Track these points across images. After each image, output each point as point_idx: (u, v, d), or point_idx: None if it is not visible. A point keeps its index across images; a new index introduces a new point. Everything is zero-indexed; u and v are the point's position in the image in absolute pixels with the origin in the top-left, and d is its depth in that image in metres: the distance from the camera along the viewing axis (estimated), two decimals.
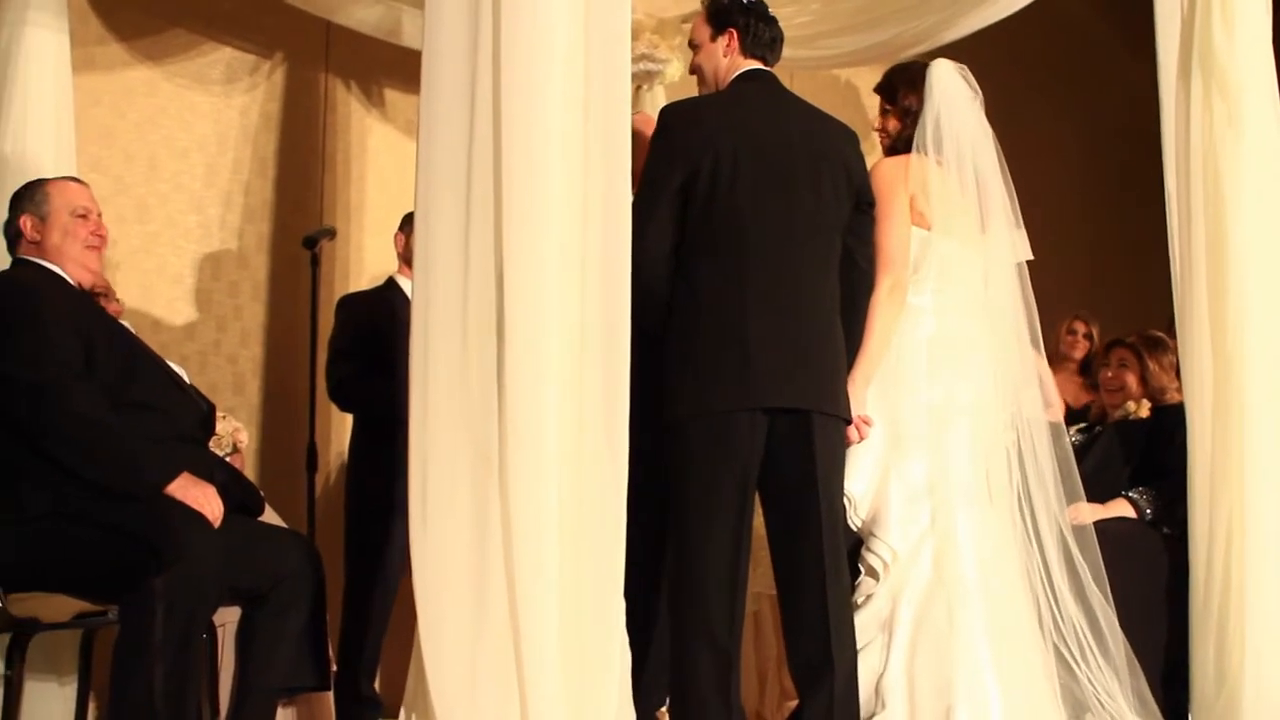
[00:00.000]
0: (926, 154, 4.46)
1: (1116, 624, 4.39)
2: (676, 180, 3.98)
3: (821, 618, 3.86)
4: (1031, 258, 4.56)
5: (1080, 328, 6.55)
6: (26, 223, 3.97)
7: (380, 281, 5.72)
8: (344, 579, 5.35)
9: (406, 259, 5.42)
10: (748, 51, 4.21)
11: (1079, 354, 6.46)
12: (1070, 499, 4.49)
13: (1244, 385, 4.64)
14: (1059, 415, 4.64)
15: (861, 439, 4.20)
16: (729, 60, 4.23)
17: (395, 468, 4.96)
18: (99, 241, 4.04)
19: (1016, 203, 4.54)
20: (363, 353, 5.42)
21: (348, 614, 5.35)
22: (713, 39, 4.25)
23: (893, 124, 4.61)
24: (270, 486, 5.02)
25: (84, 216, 4.01)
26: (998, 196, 4.51)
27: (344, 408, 5.63)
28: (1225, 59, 4.69)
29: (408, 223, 5.43)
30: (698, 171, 3.97)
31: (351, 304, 5.63)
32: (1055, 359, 6.32)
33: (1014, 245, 4.53)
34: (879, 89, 4.68)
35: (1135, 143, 6.50)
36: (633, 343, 3.60)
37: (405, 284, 5.41)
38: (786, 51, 4.39)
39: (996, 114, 4.62)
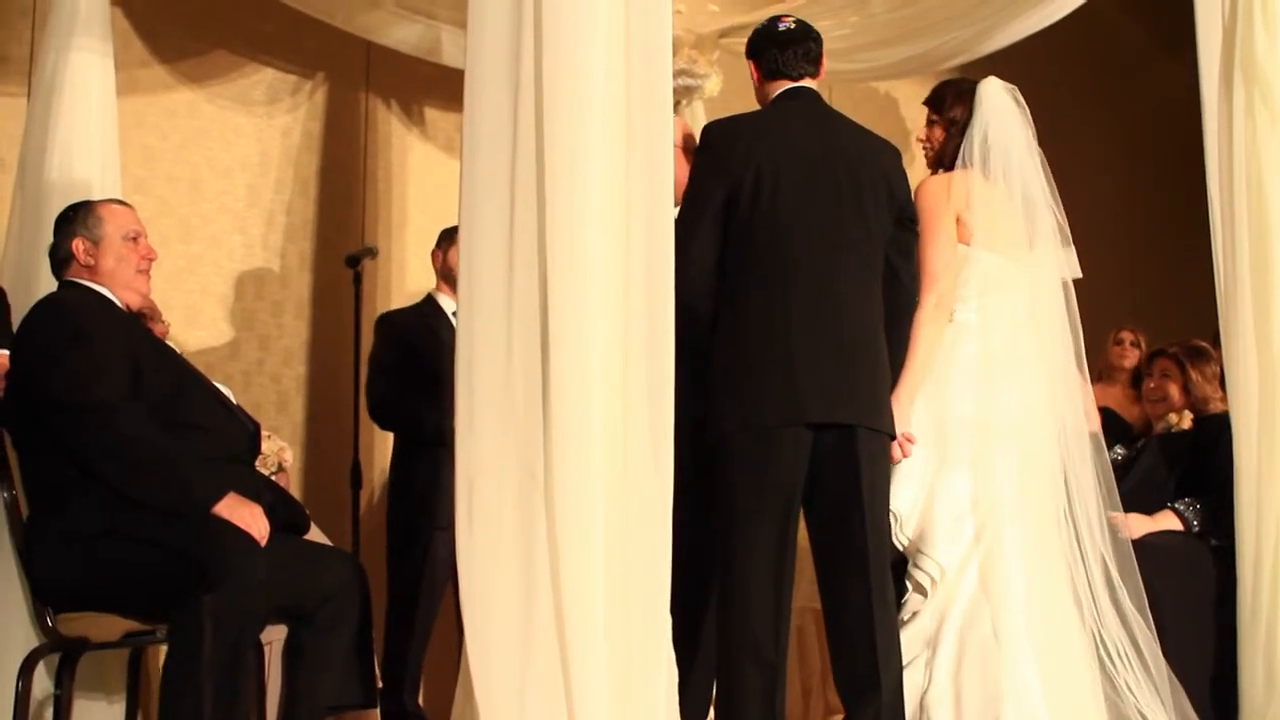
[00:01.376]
0: (972, 167, 4.46)
1: (1157, 641, 4.37)
2: (719, 196, 4.00)
3: (867, 635, 3.85)
4: (1080, 275, 4.55)
5: (1127, 336, 6.52)
6: (79, 246, 3.98)
7: (419, 298, 5.74)
8: (386, 595, 5.36)
9: (444, 276, 5.45)
10: (772, 76, 4.24)
11: (1129, 363, 6.42)
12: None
13: None
14: (1096, 426, 4.62)
15: (905, 456, 4.18)
16: (763, 88, 4.28)
17: (436, 483, 5.02)
18: (148, 265, 4.08)
19: (1065, 221, 4.53)
20: (403, 370, 5.43)
21: (390, 630, 5.36)
22: (751, 73, 4.30)
23: (938, 134, 4.61)
24: (315, 505, 5.04)
25: (135, 240, 4.04)
26: (1045, 215, 4.50)
27: (384, 425, 5.65)
28: (1268, 66, 4.66)
29: (445, 239, 5.45)
30: (739, 187, 3.99)
31: (391, 321, 5.65)
32: (1106, 371, 6.31)
33: (1062, 263, 4.52)
34: (928, 100, 4.68)
35: (1176, 151, 6.48)
36: (677, 358, 3.60)
37: (444, 301, 5.43)
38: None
39: (1035, 125, 4.60)
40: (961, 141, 4.51)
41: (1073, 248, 4.56)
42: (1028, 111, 4.56)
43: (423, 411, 5.26)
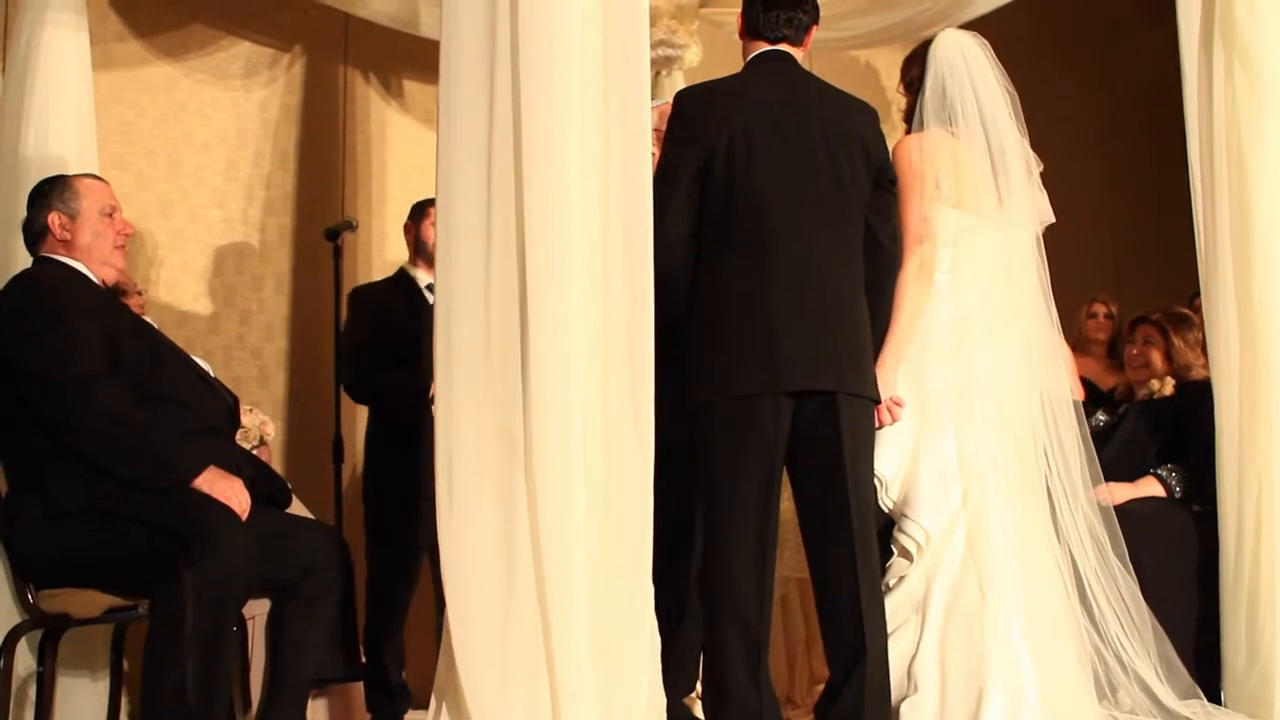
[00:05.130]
0: (928, 125, 4.43)
1: (1140, 596, 4.40)
2: (692, 165, 3.98)
3: (853, 601, 3.86)
4: (1053, 220, 4.54)
5: (1100, 309, 6.53)
6: (55, 220, 3.96)
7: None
8: (366, 568, 5.35)
9: (416, 249, 5.43)
10: (752, 35, 4.21)
11: (1103, 335, 6.45)
12: (1090, 480, 4.48)
13: (1271, 358, 4.62)
14: (1079, 396, 4.63)
15: (894, 420, 4.18)
16: (743, 45, 4.24)
17: (412, 457, 5.02)
18: (125, 240, 4.06)
19: (1036, 167, 4.51)
20: (376, 344, 5.42)
21: (371, 605, 5.35)
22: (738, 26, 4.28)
23: (904, 99, 4.61)
24: (297, 478, 5.04)
25: (111, 215, 4.02)
26: (1016, 162, 4.47)
27: (358, 399, 5.64)
28: (1247, 31, 4.67)
29: (416, 213, 5.44)
30: (713, 153, 3.96)
31: (363, 295, 5.63)
32: (1080, 343, 6.31)
33: (1036, 211, 4.50)
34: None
35: (1158, 117, 6.47)
36: (656, 326, 3.59)
37: (417, 274, 5.41)
38: None
39: (1016, 90, 4.58)
40: (916, 100, 4.50)
41: (1044, 193, 4.54)
42: (991, 53, 4.53)
43: (396, 384, 5.25)
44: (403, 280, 5.52)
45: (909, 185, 4.31)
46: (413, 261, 5.50)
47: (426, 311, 3.58)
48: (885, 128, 4.32)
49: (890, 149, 4.29)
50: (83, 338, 3.76)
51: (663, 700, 3.61)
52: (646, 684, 3.51)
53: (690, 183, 3.97)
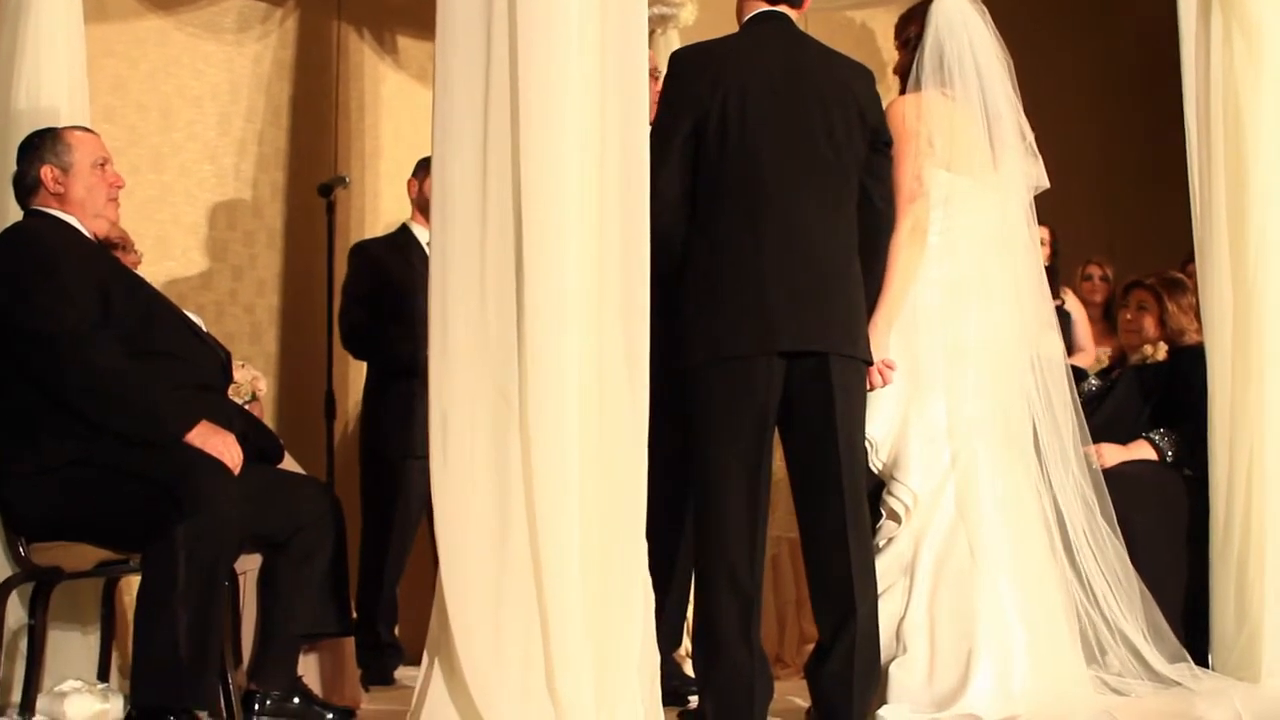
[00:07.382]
0: (924, 86, 4.41)
1: (1128, 560, 4.42)
2: (686, 125, 3.96)
3: (844, 561, 3.86)
4: (1048, 185, 4.53)
5: (1095, 271, 6.53)
6: (48, 174, 3.93)
7: (394, 228, 5.72)
8: (360, 526, 5.36)
9: (420, 205, 5.43)
10: None
11: (1099, 298, 6.45)
12: (1081, 443, 4.49)
13: (1264, 323, 4.64)
14: (1090, 360, 4.62)
15: (885, 383, 4.16)
16: (740, 5, 4.20)
17: (409, 414, 5.02)
18: (117, 193, 4.04)
19: (1031, 133, 4.50)
20: (377, 299, 5.42)
21: (365, 561, 5.37)
22: None
23: (900, 57, 4.59)
24: (289, 434, 5.03)
25: (103, 166, 4.00)
26: (1010, 127, 4.46)
27: (357, 355, 5.64)
28: None
29: (421, 169, 5.43)
30: (707, 115, 3.95)
31: (365, 251, 5.63)
32: None
33: (1029, 175, 4.49)
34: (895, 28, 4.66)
35: (1154, 83, 6.45)
36: (650, 286, 3.59)
37: (419, 230, 5.41)
38: None
39: (1009, 49, 4.56)
40: (913, 58, 4.48)
41: (1039, 158, 4.53)
42: (989, 18, 4.51)
43: (395, 341, 5.26)
44: (403, 236, 5.52)
45: (903, 145, 4.29)
46: (414, 217, 5.49)
47: (426, 267, 3.57)
48: (880, 89, 4.30)
49: (885, 107, 4.27)
50: (74, 292, 3.75)
51: (657, 658, 3.61)
52: (640, 641, 3.52)
53: (684, 143, 3.95)
